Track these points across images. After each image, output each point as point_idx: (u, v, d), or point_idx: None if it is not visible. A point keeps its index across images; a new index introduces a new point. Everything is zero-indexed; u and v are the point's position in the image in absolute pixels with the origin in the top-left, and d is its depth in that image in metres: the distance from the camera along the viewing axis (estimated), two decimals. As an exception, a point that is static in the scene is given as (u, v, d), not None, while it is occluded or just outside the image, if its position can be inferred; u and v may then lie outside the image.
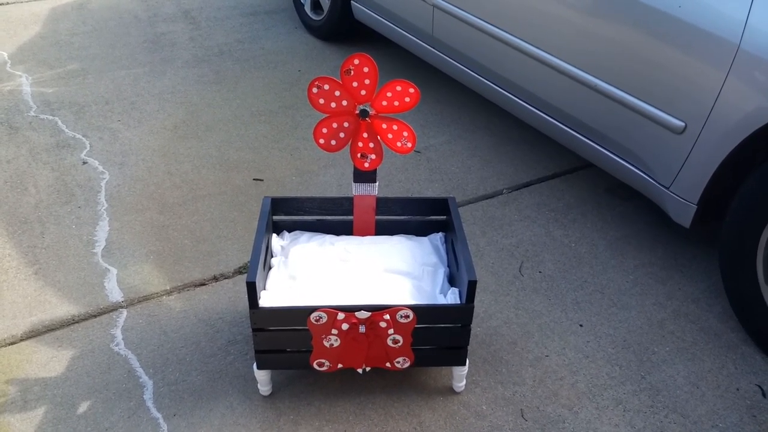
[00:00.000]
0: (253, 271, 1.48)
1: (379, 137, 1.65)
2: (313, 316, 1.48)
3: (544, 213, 2.33)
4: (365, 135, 1.64)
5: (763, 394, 1.70)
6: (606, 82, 2.00)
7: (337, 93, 1.59)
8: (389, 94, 1.59)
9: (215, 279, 2.01)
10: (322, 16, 3.48)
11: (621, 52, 1.93)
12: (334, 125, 1.64)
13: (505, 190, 2.44)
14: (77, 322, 1.85)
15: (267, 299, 1.56)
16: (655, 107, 1.88)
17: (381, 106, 1.61)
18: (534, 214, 2.32)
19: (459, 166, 2.57)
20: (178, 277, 2.01)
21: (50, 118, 2.80)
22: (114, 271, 2.03)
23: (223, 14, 3.87)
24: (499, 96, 2.48)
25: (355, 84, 1.57)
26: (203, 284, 1.99)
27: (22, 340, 1.79)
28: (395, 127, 1.63)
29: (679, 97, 1.81)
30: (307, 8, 3.60)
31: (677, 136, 1.85)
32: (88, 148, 2.60)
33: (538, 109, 2.32)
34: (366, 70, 1.55)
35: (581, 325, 1.89)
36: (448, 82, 3.19)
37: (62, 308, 1.89)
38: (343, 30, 3.43)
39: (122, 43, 3.48)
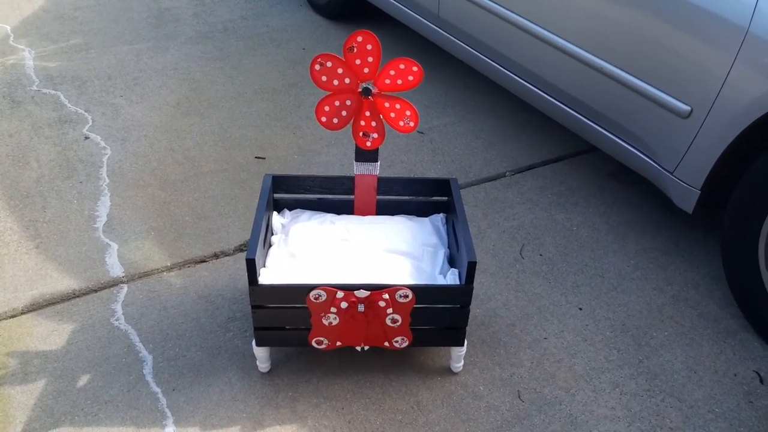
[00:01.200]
0: (252, 248, 1.48)
1: (381, 116, 1.64)
2: (313, 294, 1.48)
3: (546, 196, 2.32)
4: (367, 113, 1.63)
5: (761, 381, 1.70)
6: (612, 65, 1.98)
7: (340, 70, 1.57)
8: (392, 73, 1.57)
9: (216, 256, 2.01)
10: (328, -7, 3.44)
11: (628, 35, 1.90)
12: (336, 103, 1.62)
13: (508, 173, 2.43)
14: (78, 297, 1.86)
15: (266, 276, 1.57)
16: (661, 91, 1.86)
17: (384, 85, 1.59)
18: (536, 197, 2.31)
19: (462, 147, 2.56)
20: (178, 253, 2.01)
21: (53, 92, 2.79)
22: (115, 246, 2.03)
23: (228, -10, 3.83)
24: (505, 78, 2.46)
25: (357, 62, 1.56)
26: (203, 261, 1.99)
27: (23, 313, 1.80)
28: (398, 106, 1.62)
29: (686, 81, 1.79)
30: (313, -14, 3.56)
31: (683, 121, 1.83)
32: (90, 123, 2.59)
33: (544, 92, 2.30)
34: (369, 47, 1.54)
35: (581, 309, 1.89)
36: (454, 63, 3.16)
37: (63, 282, 1.89)
38: (348, 9, 3.40)
39: (126, 18, 3.46)
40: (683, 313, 1.89)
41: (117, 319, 1.79)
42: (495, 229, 2.16)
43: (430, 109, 2.79)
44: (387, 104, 1.62)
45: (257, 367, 1.66)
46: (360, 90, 1.61)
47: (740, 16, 1.63)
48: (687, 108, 1.80)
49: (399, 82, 1.58)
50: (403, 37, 3.36)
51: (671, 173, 1.92)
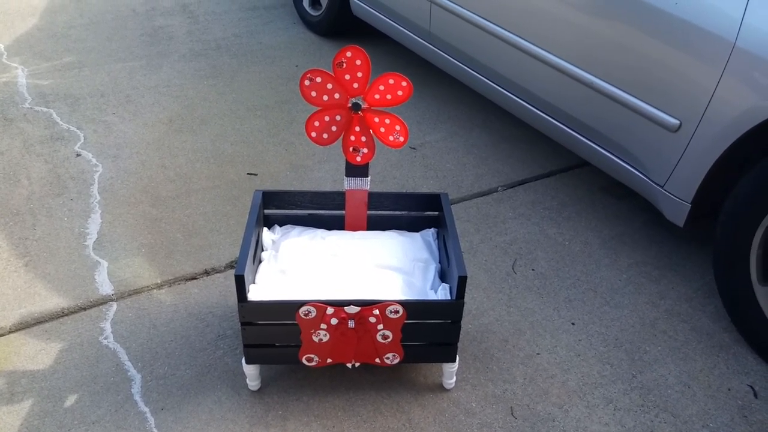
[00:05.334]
0: (241, 265, 1.47)
1: (371, 131, 1.64)
2: (302, 310, 1.47)
3: (538, 211, 2.32)
4: (357, 128, 1.63)
5: (755, 395, 1.69)
6: (602, 80, 1.99)
7: (330, 86, 1.58)
8: (382, 88, 1.57)
9: (206, 273, 2.00)
10: (321, 11, 3.47)
11: (618, 50, 1.91)
12: (326, 118, 1.63)
13: (500, 188, 2.43)
14: (66, 315, 1.84)
15: (256, 293, 1.55)
16: (651, 105, 1.87)
17: (373, 100, 1.60)
18: (528, 212, 2.31)
19: (454, 163, 2.56)
20: (169, 270, 2.00)
21: (45, 110, 2.79)
22: (105, 263, 2.01)
23: (222, 9, 3.86)
24: (496, 93, 2.47)
25: (347, 77, 1.56)
26: (194, 278, 1.98)
27: (10, 332, 1.78)
28: (387, 121, 1.62)
29: (675, 95, 1.79)
30: (306, 4, 3.59)
31: (672, 134, 1.84)
32: (82, 141, 2.59)
33: (535, 107, 2.31)
34: (358, 62, 1.54)
35: (573, 324, 1.88)
36: (445, 78, 3.17)
37: (52, 300, 1.88)
38: (341, 26, 3.42)
39: (119, 36, 3.47)
40: (676, 327, 1.88)
41: (106, 338, 1.77)
42: (487, 244, 2.15)
43: (422, 125, 2.80)
44: (377, 119, 1.62)
45: (247, 385, 1.65)
46: (350, 105, 1.61)
47: (727, 30, 1.64)
48: (676, 122, 1.81)
49: (388, 97, 1.59)
50: (394, 54, 3.38)
51: (662, 187, 1.92)
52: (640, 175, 1.99)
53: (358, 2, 3.17)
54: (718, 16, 1.66)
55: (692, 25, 1.71)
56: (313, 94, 1.59)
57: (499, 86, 2.44)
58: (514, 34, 2.25)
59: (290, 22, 3.71)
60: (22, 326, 1.80)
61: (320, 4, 3.49)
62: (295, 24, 3.68)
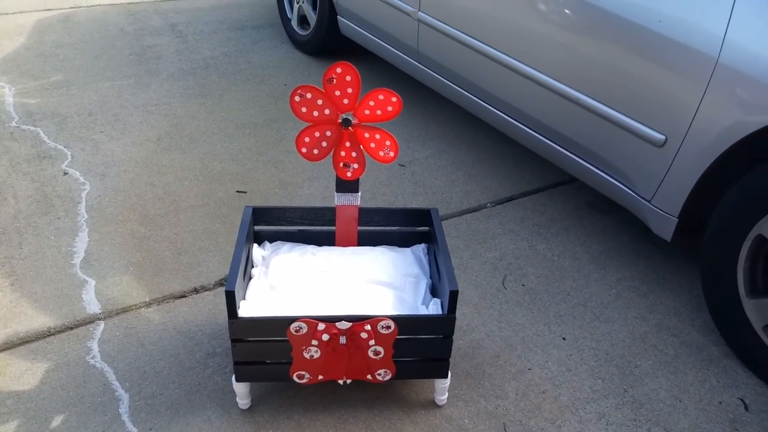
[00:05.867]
0: (232, 280, 1.46)
1: (361, 146, 1.65)
2: (293, 326, 1.46)
3: (527, 227, 2.33)
4: (348, 144, 1.64)
5: (746, 408, 1.69)
6: (588, 96, 2.02)
7: (320, 102, 1.58)
8: (372, 103, 1.58)
9: (196, 291, 1.98)
10: (309, 31, 3.50)
11: (603, 67, 1.94)
12: (317, 134, 1.63)
13: (488, 204, 2.44)
14: (53, 335, 1.81)
15: (246, 309, 1.54)
16: (636, 121, 1.90)
17: (363, 115, 1.60)
18: (517, 227, 2.32)
19: (443, 180, 2.57)
20: (157, 288, 1.98)
21: (32, 128, 2.77)
22: (92, 282, 1.99)
23: (211, 28, 3.88)
24: (483, 110, 2.49)
25: (337, 93, 1.57)
26: (183, 296, 1.96)
27: (-5, 352, 1.76)
28: (378, 137, 1.63)
29: (660, 111, 1.82)
30: (294, 23, 3.62)
31: (658, 150, 1.86)
32: (69, 159, 2.57)
33: (522, 124, 2.33)
34: (348, 78, 1.55)
35: (564, 338, 1.88)
36: (433, 96, 3.20)
37: (38, 320, 1.85)
38: (329, 45, 3.45)
39: (107, 55, 3.47)
40: (666, 341, 1.89)
41: (93, 357, 1.75)
42: (477, 260, 2.15)
43: (410, 143, 2.81)
44: (367, 134, 1.63)
45: (237, 403, 1.62)
46: (340, 121, 1.62)
47: (710, 46, 1.67)
48: (662, 137, 1.83)
49: (378, 112, 1.60)
50: (382, 73, 3.41)
51: (649, 201, 1.94)
52: (626, 190, 2.01)
53: (346, 22, 3.20)
54: (700, 32, 1.69)
55: (676, 42, 1.74)
56: (304, 110, 1.60)
57: (487, 104, 2.46)
58: (501, 52, 2.28)
59: (278, 41, 3.73)
60: (8, 346, 1.77)
61: (308, 24, 3.52)
62: (283, 43, 3.71)
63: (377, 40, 3.00)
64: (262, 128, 2.86)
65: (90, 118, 2.87)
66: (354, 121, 1.62)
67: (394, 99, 1.58)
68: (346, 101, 1.59)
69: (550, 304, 1.99)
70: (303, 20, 3.58)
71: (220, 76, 3.30)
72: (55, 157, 2.59)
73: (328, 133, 1.63)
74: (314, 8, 3.41)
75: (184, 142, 2.73)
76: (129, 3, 4.25)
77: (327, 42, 3.42)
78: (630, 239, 2.29)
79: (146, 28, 3.85)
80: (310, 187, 2.48)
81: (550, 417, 1.65)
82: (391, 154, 1.65)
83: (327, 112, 1.60)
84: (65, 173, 2.49)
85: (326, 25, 3.32)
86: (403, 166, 2.64)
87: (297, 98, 1.58)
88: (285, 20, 3.70)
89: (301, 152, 1.65)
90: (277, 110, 3.01)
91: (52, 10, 4.08)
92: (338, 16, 3.26)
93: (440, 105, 3.12)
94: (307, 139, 1.64)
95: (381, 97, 1.58)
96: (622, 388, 1.73)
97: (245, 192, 2.44)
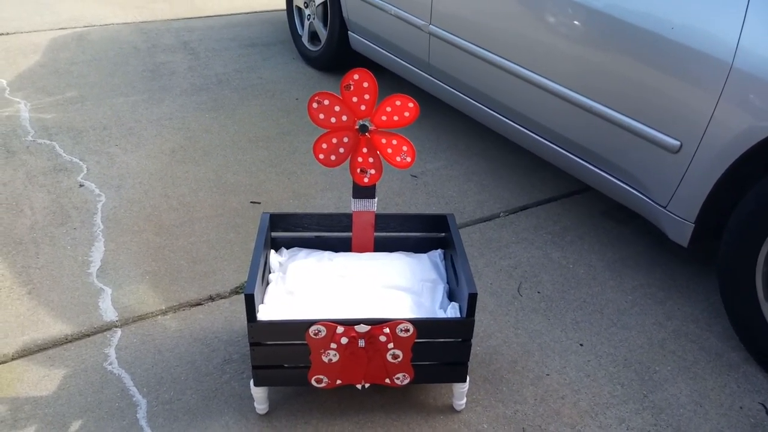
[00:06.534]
0: (251, 284, 1.46)
1: (378, 152, 1.66)
2: (312, 329, 1.46)
3: (541, 235, 2.33)
4: (365, 150, 1.65)
5: (767, 412, 1.68)
6: (602, 104, 2.03)
7: (337, 108, 1.60)
8: (389, 109, 1.60)
9: (211, 299, 1.99)
10: (320, 46, 3.54)
11: (616, 74, 1.96)
12: (334, 140, 1.64)
13: (502, 213, 2.45)
14: (70, 342, 1.82)
15: (265, 313, 1.55)
16: (651, 127, 1.90)
17: (380, 121, 1.62)
18: (531, 236, 2.32)
19: (456, 190, 2.58)
20: (173, 296, 1.99)
21: (48, 142, 2.80)
22: (108, 290, 2.00)
23: (222, 45, 3.93)
24: (496, 121, 2.51)
25: (354, 99, 1.59)
26: (199, 304, 1.97)
27: (13, 359, 1.76)
28: (395, 142, 1.64)
29: (675, 117, 1.83)
30: (305, 39, 3.66)
31: (673, 156, 1.87)
32: (85, 172, 2.60)
33: (535, 133, 2.35)
34: (366, 85, 1.57)
35: (581, 345, 1.87)
36: (444, 108, 3.22)
37: (55, 327, 1.86)
38: (340, 60, 3.48)
39: (121, 72, 3.52)
40: (685, 347, 1.87)
41: (110, 364, 1.75)
42: (492, 268, 2.15)
43: (422, 154, 2.83)
44: (384, 140, 1.64)
45: (255, 409, 1.62)
46: (357, 127, 1.63)
47: (724, 52, 1.68)
48: (677, 143, 1.84)
49: (395, 118, 1.61)
50: (393, 86, 3.44)
51: (664, 208, 1.94)
52: (642, 196, 2.02)
53: (357, 37, 3.24)
54: (714, 38, 1.71)
55: (689, 48, 1.75)
56: (321, 116, 1.61)
57: (500, 114, 2.48)
58: (513, 62, 2.30)
59: (290, 57, 3.78)
60: (26, 353, 1.77)
61: (319, 40, 3.56)
62: (294, 59, 3.75)
63: (388, 54, 3.04)
64: (274, 141, 2.88)
65: (105, 132, 2.90)
66: (371, 127, 1.63)
67: (411, 105, 1.60)
68: (363, 107, 1.60)
69: (566, 311, 1.99)
70: (314, 36, 3.63)
71: (233, 91, 3.34)
72: (70, 169, 2.61)
73: (346, 140, 1.65)
74: (325, 24, 3.46)
75: (198, 155, 2.75)
76: (141, 22, 4.31)
77: (338, 57, 3.46)
78: (645, 248, 2.28)
79: (159, 45, 3.90)
80: (323, 197, 2.50)
81: (570, 422, 1.63)
82: (408, 159, 1.66)
83: (344, 118, 1.62)
84: (81, 185, 2.51)
85: (337, 41, 3.36)
86: (415, 176, 2.66)
87: (315, 105, 1.60)
88: (296, 36, 3.74)
89: (318, 158, 1.67)
90: (290, 123, 3.04)
91: (66, 29, 4.15)
92: (349, 32, 3.30)
93: (450, 117, 3.14)
94: (324, 146, 1.65)
95: (398, 102, 1.60)
96: (642, 393, 1.72)
97: (259, 203, 2.45)
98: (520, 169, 2.74)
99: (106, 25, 4.24)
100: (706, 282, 2.13)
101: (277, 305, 1.59)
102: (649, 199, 1.99)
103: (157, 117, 3.05)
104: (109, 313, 1.92)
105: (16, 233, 2.24)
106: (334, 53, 3.43)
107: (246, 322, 1.88)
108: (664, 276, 2.15)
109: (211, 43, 3.96)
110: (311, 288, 1.63)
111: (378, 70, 3.62)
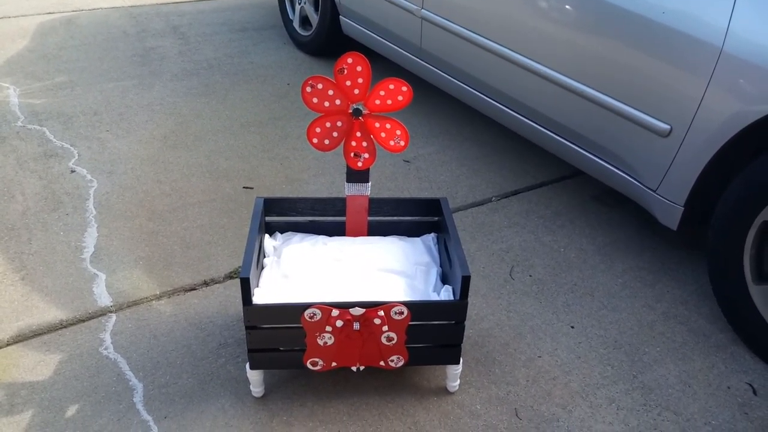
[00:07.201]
0: (246, 268, 1.47)
1: (372, 136, 1.67)
2: (308, 312, 1.47)
3: (532, 219, 2.35)
4: (358, 134, 1.66)
5: (754, 392, 1.71)
6: (592, 88, 2.04)
7: (331, 92, 1.60)
8: (382, 93, 1.60)
9: (206, 284, 1.99)
10: (311, 31, 3.52)
11: (607, 59, 1.97)
12: (328, 124, 1.65)
13: (494, 198, 2.46)
14: (65, 327, 1.82)
15: (260, 297, 1.56)
16: (641, 111, 1.92)
17: (374, 105, 1.62)
18: (523, 220, 2.34)
19: (448, 175, 2.59)
20: (167, 282, 1.99)
21: (38, 128, 2.79)
22: (102, 276, 2.00)
23: (212, 30, 3.90)
24: (487, 105, 2.51)
25: (348, 83, 1.59)
26: (193, 289, 1.97)
27: (8, 344, 1.76)
28: (388, 126, 1.65)
29: (665, 101, 1.85)
30: (296, 24, 3.64)
31: (663, 139, 1.88)
32: (76, 157, 2.59)
33: (526, 117, 2.36)
34: (359, 69, 1.57)
35: (572, 327, 1.89)
36: (436, 93, 3.23)
37: (50, 313, 1.86)
38: (331, 45, 3.47)
39: (111, 56, 3.49)
40: (674, 329, 1.90)
41: (106, 348, 1.76)
42: (484, 252, 2.17)
43: (414, 139, 2.83)
44: (377, 124, 1.65)
45: (251, 392, 1.64)
46: (351, 111, 1.64)
47: (714, 36, 1.70)
48: (667, 127, 1.86)
49: (389, 102, 1.62)
50: (384, 71, 3.43)
51: (654, 191, 1.97)
52: (632, 180, 2.04)
53: (349, 21, 3.23)
54: (704, 22, 1.72)
55: (680, 32, 1.77)
56: (315, 100, 1.62)
57: (491, 99, 2.48)
58: (505, 47, 2.31)
59: (281, 42, 3.76)
60: (20, 338, 1.78)
61: (310, 25, 3.54)
62: (285, 44, 3.73)
63: (380, 38, 3.03)
64: (266, 126, 2.88)
65: (95, 118, 2.88)
66: (365, 110, 1.64)
67: (404, 88, 1.60)
68: (356, 91, 1.61)
69: (557, 294, 2.01)
70: (305, 21, 3.61)
71: (224, 76, 3.32)
72: (61, 155, 2.60)
73: (339, 124, 1.65)
74: (316, 9, 3.44)
75: (190, 140, 2.74)
76: (130, 6, 4.27)
77: (329, 42, 3.44)
78: (635, 231, 2.31)
79: (148, 30, 3.87)
80: (316, 182, 2.50)
81: (561, 402, 1.66)
82: (402, 143, 1.67)
83: (338, 102, 1.62)
84: (72, 171, 2.50)
85: (328, 25, 3.35)
86: (407, 161, 2.67)
87: (308, 89, 1.60)
88: (287, 21, 3.72)
89: (312, 142, 1.67)
90: (281, 108, 3.03)
91: (53, 13, 4.10)
92: (340, 16, 3.28)
93: (442, 102, 3.15)
94: (318, 130, 1.66)
95: (391, 86, 1.60)
96: (632, 374, 1.75)
97: (252, 188, 2.45)
98: (511, 154, 2.75)
99: (95, 9, 4.20)
100: (694, 265, 2.16)
101: (272, 289, 1.60)
102: (639, 183, 2.01)
103: (147, 102, 3.03)
104: (104, 299, 1.92)
105: (8, 219, 2.24)
106: (326, 38, 3.42)
107: (241, 306, 1.90)
108: (653, 259, 2.18)
109: (202, 28, 3.93)
110: (306, 272, 1.64)
111: (370, 54, 3.61)
